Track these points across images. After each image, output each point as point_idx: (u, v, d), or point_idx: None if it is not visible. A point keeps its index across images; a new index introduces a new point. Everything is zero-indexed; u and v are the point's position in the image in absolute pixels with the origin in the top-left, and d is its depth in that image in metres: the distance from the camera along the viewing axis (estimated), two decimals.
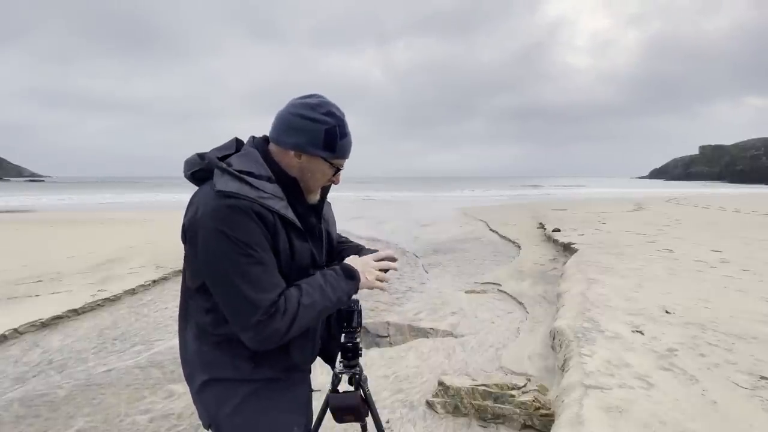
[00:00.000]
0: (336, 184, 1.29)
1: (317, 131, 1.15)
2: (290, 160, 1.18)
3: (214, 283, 1.10)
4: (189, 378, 1.24)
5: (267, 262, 1.08)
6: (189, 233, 1.12)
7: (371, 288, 1.28)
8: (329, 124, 1.16)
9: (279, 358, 1.20)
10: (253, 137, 1.25)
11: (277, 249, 1.12)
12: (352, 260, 1.28)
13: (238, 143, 1.25)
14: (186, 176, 1.20)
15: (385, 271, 1.33)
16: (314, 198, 1.27)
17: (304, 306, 1.09)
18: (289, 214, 1.14)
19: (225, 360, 1.17)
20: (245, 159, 1.16)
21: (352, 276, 1.23)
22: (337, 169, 1.23)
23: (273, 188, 1.14)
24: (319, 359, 1.44)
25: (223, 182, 1.09)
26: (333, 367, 1.45)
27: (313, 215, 1.28)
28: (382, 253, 1.35)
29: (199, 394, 1.21)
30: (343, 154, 1.22)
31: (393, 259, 1.36)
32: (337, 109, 1.19)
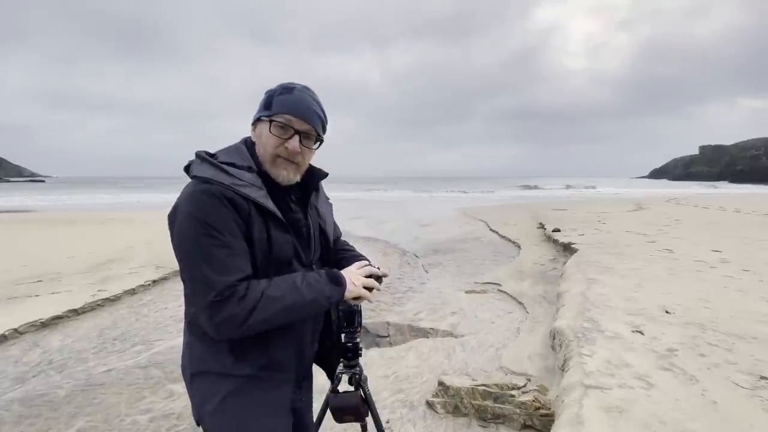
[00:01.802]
0: (292, 150, 1.17)
1: (262, 100, 1.21)
2: (253, 138, 1.24)
3: (182, 267, 1.11)
4: (183, 371, 1.26)
5: (234, 247, 1.07)
6: (170, 220, 1.14)
7: (358, 296, 1.25)
8: (275, 90, 1.20)
9: (258, 354, 1.18)
10: (249, 136, 1.28)
11: (251, 237, 1.11)
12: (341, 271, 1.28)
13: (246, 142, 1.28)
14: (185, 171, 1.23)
15: (376, 280, 1.32)
16: (285, 177, 1.20)
17: (269, 297, 1.06)
18: (268, 204, 1.13)
19: (209, 353, 1.17)
20: (230, 151, 1.20)
21: (337, 280, 1.20)
22: (277, 126, 1.16)
23: (251, 177, 1.14)
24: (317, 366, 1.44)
25: (200, 169, 1.12)
26: (332, 378, 1.43)
27: (299, 211, 1.26)
28: (363, 262, 1.34)
29: (190, 386, 1.23)
30: (281, 108, 1.16)
31: (377, 276, 1.34)
32: (297, 84, 1.22)
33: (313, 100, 1.21)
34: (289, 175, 1.21)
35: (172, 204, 1.16)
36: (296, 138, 1.18)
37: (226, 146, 1.25)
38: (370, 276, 1.31)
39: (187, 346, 1.22)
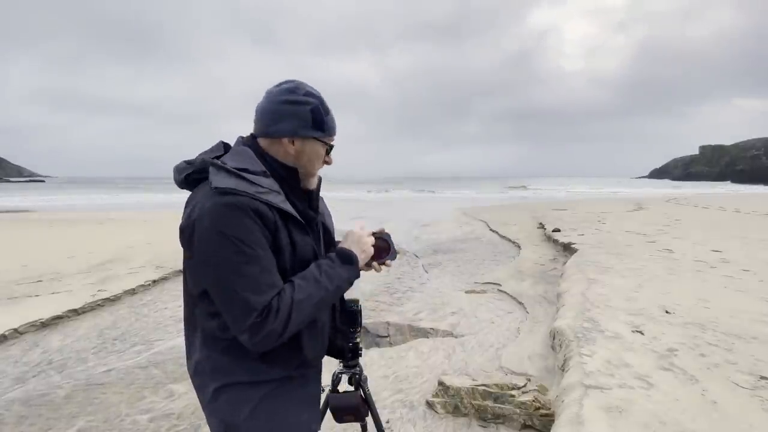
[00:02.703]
0: (329, 164, 1.27)
1: (304, 113, 1.16)
2: (285, 148, 1.18)
3: (211, 284, 1.08)
4: (200, 388, 1.20)
5: (264, 262, 1.06)
6: (186, 234, 1.09)
7: (371, 257, 1.27)
8: (312, 103, 1.18)
9: (292, 355, 1.17)
10: (241, 137, 1.24)
11: (280, 245, 1.10)
12: (344, 242, 1.25)
13: (225, 147, 1.23)
14: (177, 182, 1.19)
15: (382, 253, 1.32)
16: (313, 183, 1.27)
17: (299, 301, 1.07)
18: (289, 207, 1.13)
19: (236, 364, 1.14)
20: (239, 156, 1.15)
21: (350, 260, 1.19)
22: (329, 148, 1.24)
23: (269, 183, 1.13)
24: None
25: (219, 179, 1.07)
26: (342, 360, 1.44)
27: (309, 208, 1.26)
28: (362, 222, 1.35)
29: (212, 402, 1.17)
30: (332, 131, 1.23)
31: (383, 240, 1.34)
32: (313, 89, 1.21)
33: None
34: (316, 180, 1.28)
35: (184, 215, 1.11)
36: (331, 151, 1.26)
37: (209, 148, 1.21)
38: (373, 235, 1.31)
39: (207, 360, 1.16)
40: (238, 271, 1.03)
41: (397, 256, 1.37)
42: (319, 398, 1.33)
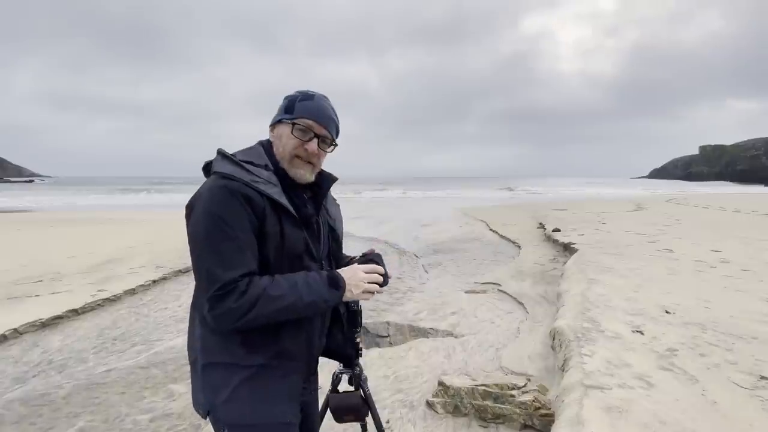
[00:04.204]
0: (310, 152, 1.25)
1: (282, 105, 1.30)
2: (271, 139, 1.30)
3: (192, 256, 1.16)
4: (193, 364, 1.27)
5: (241, 243, 1.12)
6: (187, 210, 1.19)
7: (357, 300, 1.31)
8: (293, 96, 1.28)
9: (269, 343, 1.22)
10: (264, 140, 1.36)
11: (266, 232, 1.16)
12: (341, 270, 1.27)
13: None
14: (202, 171, 1.29)
15: (383, 279, 1.31)
16: (301, 176, 1.27)
17: (269, 295, 1.11)
18: (282, 199, 1.19)
19: (223, 344, 1.20)
20: (248, 151, 1.27)
21: (335, 284, 1.21)
22: (298, 129, 1.24)
23: (268, 175, 1.21)
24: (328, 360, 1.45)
25: (220, 165, 1.19)
26: (352, 367, 1.45)
27: (311, 207, 1.30)
28: (371, 266, 1.31)
29: (200, 378, 1.24)
30: (303, 113, 1.25)
31: (381, 271, 1.31)
32: (314, 92, 1.30)
33: (330, 107, 1.31)
34: (305, 174, 1.29)
35: (189, 197, 1.21)
36: (315, 141, 1.27)
37: (244, 148, 1.30)
38: (374, 281, 1.29)
39: (200, 339, 1.24)
40: (213, 246, 1.11)
41: (390, 280, 1.35)
42: (297, 394, 1.31)
